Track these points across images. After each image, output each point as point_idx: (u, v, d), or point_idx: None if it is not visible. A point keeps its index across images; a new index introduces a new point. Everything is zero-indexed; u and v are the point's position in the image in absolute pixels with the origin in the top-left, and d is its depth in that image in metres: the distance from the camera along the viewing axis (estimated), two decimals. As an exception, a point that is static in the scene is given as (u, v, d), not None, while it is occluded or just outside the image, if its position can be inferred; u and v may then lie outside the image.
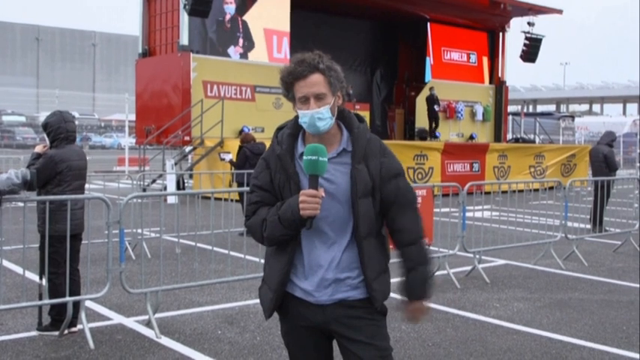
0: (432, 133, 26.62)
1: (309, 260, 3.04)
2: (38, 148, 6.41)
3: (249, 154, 12.44)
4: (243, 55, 22.67)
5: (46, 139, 6.38)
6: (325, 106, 2.95)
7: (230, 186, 14.36)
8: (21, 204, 6.16)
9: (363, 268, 3.02)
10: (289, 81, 2.98)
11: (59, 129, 6.26)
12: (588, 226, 12.64)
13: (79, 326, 6.26)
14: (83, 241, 6.65)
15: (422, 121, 27.25)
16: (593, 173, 13.81)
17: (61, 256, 6.21)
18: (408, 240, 3.12)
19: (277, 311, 3.16)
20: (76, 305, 6.27)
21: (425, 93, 27.43)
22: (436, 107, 26.47)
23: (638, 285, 8.89)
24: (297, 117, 3.08)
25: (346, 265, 3.03)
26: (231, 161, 13.43)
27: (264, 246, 3.15)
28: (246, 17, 22.78)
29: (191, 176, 20.54)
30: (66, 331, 6.24)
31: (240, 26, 22.70)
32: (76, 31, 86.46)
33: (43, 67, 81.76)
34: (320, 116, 2.94)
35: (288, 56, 23.00)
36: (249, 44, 22.89)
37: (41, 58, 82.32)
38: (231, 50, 22.56)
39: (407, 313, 3.18)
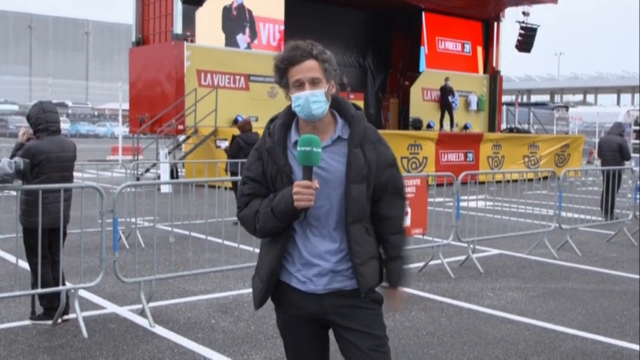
0: (442, 123, 26.59)
1: (305, 250, 3.03)
2: (21, 137, 6.34)
3: (242, 144, 12.40)
4: (249, 45, 22.66)
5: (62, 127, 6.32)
6: (320, 89, 2.94)
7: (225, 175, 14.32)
8: (14, 193, 6.13)
9: (350, 253, 3.00)
10: (283, 67, 2.97)
11: (37, 120, 6.16)
12: (582, 216, 12.65)
13: (72, 315, 6.23)
14: (76, 230, 6.62)
15: (416, 110, 27.22)
16: (604, 163, 14.13)
17: (37, 247, 6.16)
18: (395, 228, 3.13)
19: (273, 301, 3.15)
20: (50, 298, 6.25)
21: (420, 82, 27.41)
22: (450, 98, 26.37)
23: (631, 275, 8.92)
24: (289, 107, 3.06)
25: (343, 255, 3.02)
26: (226, 149, 13.39)
27: (257, 237, 3.14)
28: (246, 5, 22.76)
29: (184, 165, 20.52)
30: (59, 320, 6.23)
31: (247, 15, 22.65)
32: (69, 19, 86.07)
33: (35, 56, 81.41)
34: (315, 99, 2.93)
35: (283, 44, 22.94)
36: (252, 34, 22.86)
37: (34, 47, 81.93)
38: (239, 38, 22.52)
39: (392, 301, 3.18)
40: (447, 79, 26.37)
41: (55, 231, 6.25)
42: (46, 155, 6.10)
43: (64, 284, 6.32)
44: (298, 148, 2.87)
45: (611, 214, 13.36)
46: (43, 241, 6.12)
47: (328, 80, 2.99)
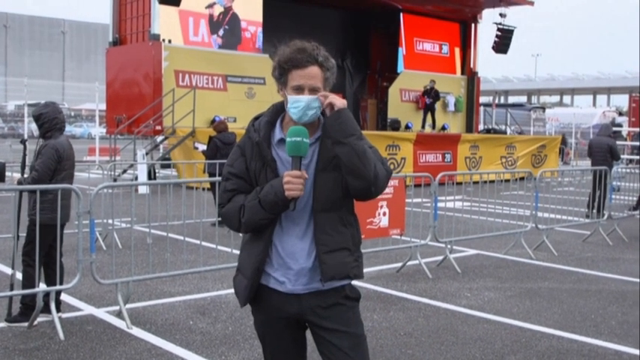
0: (424, 125, 26.67)
1: (283, 250, 3.03)
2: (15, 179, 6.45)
3: (219, 144, 12.37)
4: (225, 46, 22.54)
5: (34, 129, 6.39)
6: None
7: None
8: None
9: (315, 241, 2.99)
10: (287, 67, 2.97)
11: (55, 119, 6.35)
12: (558, 216, 12.77)
13: (49, 317, 6.18)
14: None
15: (394, 111, 27.29)
16: (594, 163, 14.53)
17: (45, 244, 6.19)
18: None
19: (251, 303, 3.13)
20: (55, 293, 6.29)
21: (398, 83, 27.48)
22: (427, 100, 26.46)
23: (606, 274, 9.02)
24: (274, 105, 3.09)
25: None
26: (203, 152, 13.35)
27: (241, 233, 3.13)
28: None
29: (166, 166, 20.36)
30: (35, 322, 6.18)
31: (227, 18, 22.59)
32: (45, 18, 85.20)
33: (11, 55, 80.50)
34: (314, 104, 2.94)
35: (261, 46, 22.95)
36: (234, 39, 22.79)
37: (9, 46, 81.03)
38: (213, 39, 22.46)
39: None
40: (431, 81, 26.39)
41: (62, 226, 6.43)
42: (67, 152, 6.35)
43: (61, 283, 6.30)
44: (287, 139, 2.88)
45: (599, 211, 13.58)
46: (53, 237, 6.23)
47: (325, 88, 3.00)
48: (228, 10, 22.73)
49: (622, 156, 23.19)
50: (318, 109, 2.97)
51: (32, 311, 6.18)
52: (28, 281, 6.20)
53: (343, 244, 3.03)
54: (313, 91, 2.94)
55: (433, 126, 26.55)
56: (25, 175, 6.36)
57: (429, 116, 26.63)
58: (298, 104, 2.94)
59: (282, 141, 2.98)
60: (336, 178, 2.99)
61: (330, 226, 3.00)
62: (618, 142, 23.86)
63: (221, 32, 22.60)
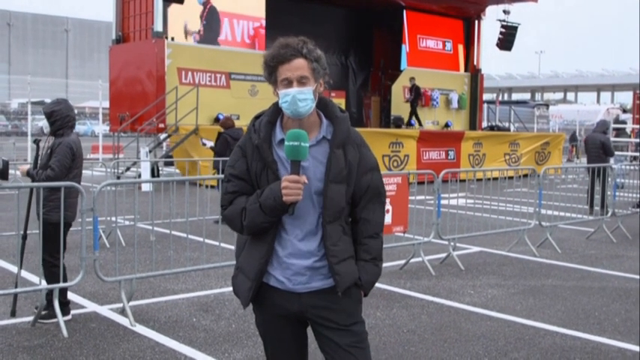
0: (408, 122, 26.63)
1: (282, 250, 3.03)
2: (24, 168, 6.47)
3: (230, 140, 12.36)
4: (204, 41, 22.45)
5: (45, 126, 6.38)
6: (308, 87, 2.94)
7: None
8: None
9: (325, 252, 3.00)
10: (273, 64, 2.97)
11: (67, 117, 6.37)
12: (562, 214, 12.76)
13: (64, 317, 6.19)
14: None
15: (397, 108, 27.27)
16: (590, 160, 14.55)
17: (59, 242, 6.24)
18: (372, 231, 3.14)
19: (252, 301, 3.14)
20: (63, 292, 6.31)
21: (401, 81, 27.46)
22: (408, 96, 26.41)
23: (610, 271, 9.01)
24: (275, 104, 3.06)
25: (322, 254, 3.02)
26: (212, 148, 13.37)
27: (243, 235, 3.12)
28: (221, 3, 22.62)
29: (169, 164, 20.29)
30: (48, 320, 6.20)
31: (206, 12, 22.52)
32: (48, 16, 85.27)
33: (14, 53, 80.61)
34: (303, 96, 2.92)
35: (264, 43, 22.93)
36: (212, 33, 22.70)
37: (13, 44, 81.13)
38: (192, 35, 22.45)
39: None
40: (411, 78, 26.32)
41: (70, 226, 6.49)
42: (79, 150, 6.41)
43: (65, 280, 6.31)
44: (286, 143, 2.87)
45: (601, 209, 13.58)
46: (63, 235, 6.27)
47: (317, 79, 2.99)
48: (206, 4, 22.64)
49: (626, 153, 23.11)
50: (311, 101, 2.96)
51: (66, 307, 6.29)
52: (54, 281, 6.21)
53: (349, 253, 3.07)
54: (302, 82, 2.94)
55: (410, 123, 26.41)
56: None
57: (418, 113, 26.58)
58: (287, 97, 2.93)
59: (283, 141, 2.96)
60: (342, 190, 3.01)
61: (336, 236, 3.02)
62: (622, 139, 23.81)
63: (199, 27, 22.51)
